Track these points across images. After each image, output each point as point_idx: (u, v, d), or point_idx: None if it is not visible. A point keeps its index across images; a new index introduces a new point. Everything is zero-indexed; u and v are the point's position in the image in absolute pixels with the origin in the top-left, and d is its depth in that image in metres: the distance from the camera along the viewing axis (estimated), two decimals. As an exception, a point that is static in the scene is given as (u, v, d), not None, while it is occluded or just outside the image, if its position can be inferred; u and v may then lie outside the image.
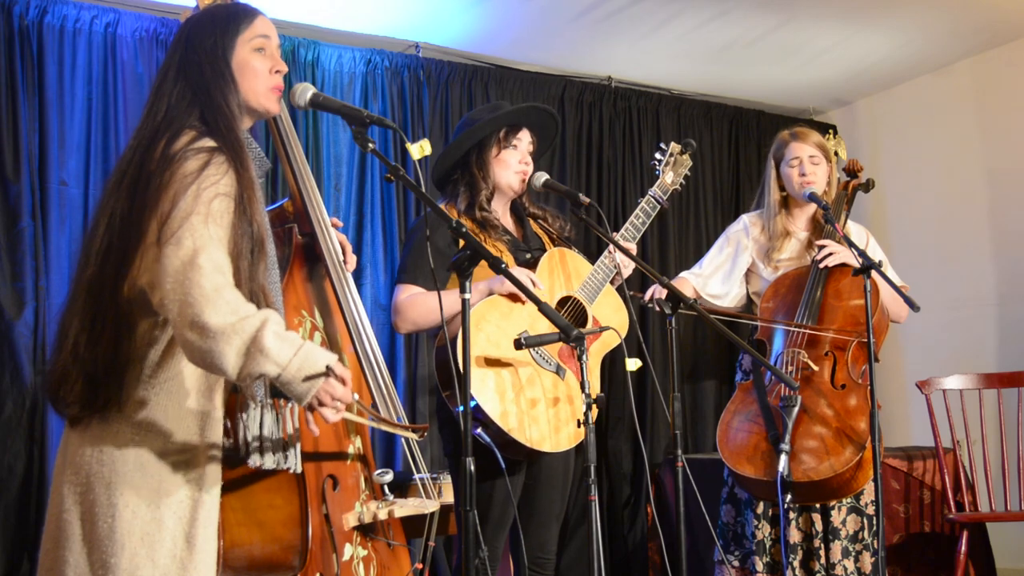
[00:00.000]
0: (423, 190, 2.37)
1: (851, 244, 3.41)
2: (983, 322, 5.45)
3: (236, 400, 2.13)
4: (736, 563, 3.58)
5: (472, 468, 2.22)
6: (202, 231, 1.94)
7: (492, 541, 2.91)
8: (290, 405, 2.16)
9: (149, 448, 2.01)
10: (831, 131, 4.34)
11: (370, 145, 2.30)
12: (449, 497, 4.10)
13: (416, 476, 2.62)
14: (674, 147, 3.43)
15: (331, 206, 4.61)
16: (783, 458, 3.26)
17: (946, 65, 5.61)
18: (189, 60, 2.16)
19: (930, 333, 5.33)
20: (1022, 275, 5.33)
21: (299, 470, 2.15)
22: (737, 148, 5.94)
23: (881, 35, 5.16)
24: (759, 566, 3.48)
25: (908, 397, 5.26)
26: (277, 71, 2.22)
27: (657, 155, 3.42)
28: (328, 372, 2.00)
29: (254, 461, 2.11)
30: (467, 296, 2.30)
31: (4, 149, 4.01)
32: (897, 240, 5.68)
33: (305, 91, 2.34)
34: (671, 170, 3.39)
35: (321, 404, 2.01)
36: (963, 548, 4.05)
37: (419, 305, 3.01)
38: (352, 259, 2.56)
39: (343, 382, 2.03)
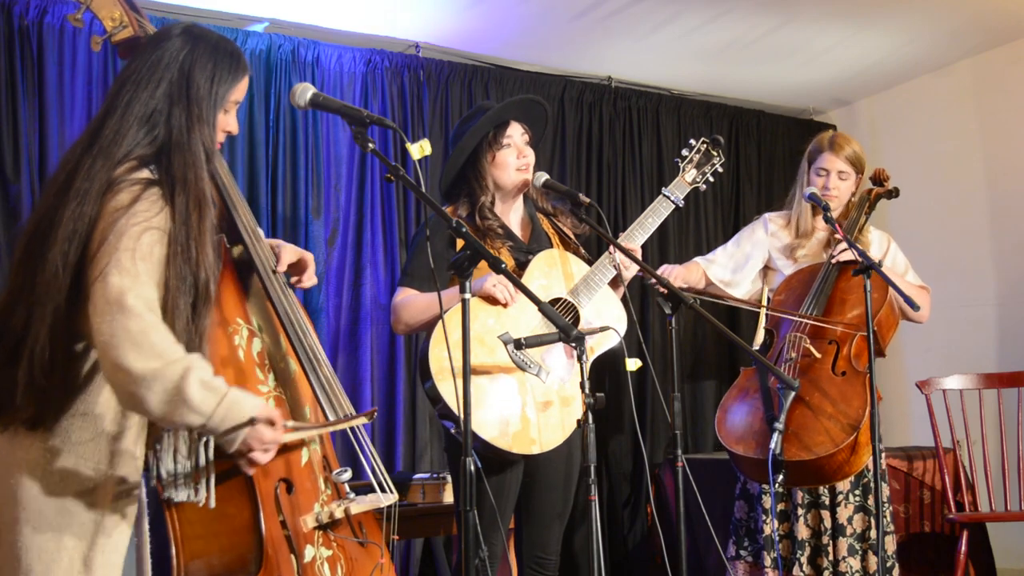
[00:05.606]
0: (423, 190, 2.37)
1: (851, 244, 3.43)
2: (983, 322, 5.45)
3: (153, 431, 2.10)
4: (749, 558, 3.60)
5: (472, 468, 2.23)
6: (129, 267, 1.91)
7: (489, 540, 2.90)
8: (204, 439, 2.12)
9: (57, 470, 2.00)
10: (831, 131, 4.33)
11: (370, 145, 2.30)
12: (451, 497, 4.11)
13: (374, 473, 2.58)
14: (700, 143, 3.36)
15: (331, 206, 4.61)
16: (775, 436, 3.26)
17: (946, 65, 5.60)
18: (181, 90, 2.10)
19: (930, 333, 5.31)
20: (1022, 275, 5.32)
21: (212, 504, 2.11)
22: (737, 148, 5.93)
23: (881, 35, 5.16)
24: (767, 561, 3.50)
25: (908, 397, 5.26)
26: (228, 132, 2.21)
27: (684, 151, 3.36)
28: (253, 421, 1.99)
29: (167, 494, 2.09)
30: (467, 296, 2.30)
31: (4, 149, 4.01)
32: (897, 240, 5.65)
33: (305, 91, 2.34)
34: (694, 167, 3.33)
35: (251, 449, 2.02)
36: (963, 548, 4.05)
37: (411, 306, 3.02)
38: (312, 278, 2.49)
39: (271, 424, 2.03)
